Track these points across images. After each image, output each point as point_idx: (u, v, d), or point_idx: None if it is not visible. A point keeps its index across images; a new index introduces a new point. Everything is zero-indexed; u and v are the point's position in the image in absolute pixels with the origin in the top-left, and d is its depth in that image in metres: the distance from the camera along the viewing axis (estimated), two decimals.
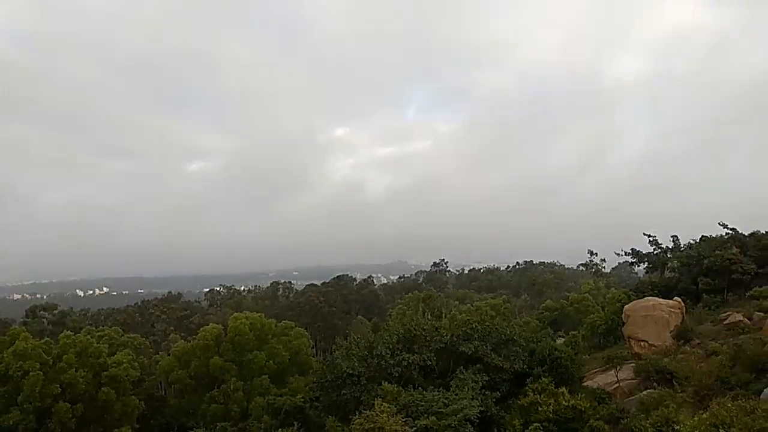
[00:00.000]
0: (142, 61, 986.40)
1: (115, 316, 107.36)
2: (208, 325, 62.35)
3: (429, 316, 36.99)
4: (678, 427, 19.10)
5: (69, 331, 52.30)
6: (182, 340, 66.96)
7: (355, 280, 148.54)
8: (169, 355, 61.41)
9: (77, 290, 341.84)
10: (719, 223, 53.72)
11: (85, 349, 46.18)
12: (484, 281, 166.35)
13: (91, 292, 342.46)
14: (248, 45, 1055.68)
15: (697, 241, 54.88)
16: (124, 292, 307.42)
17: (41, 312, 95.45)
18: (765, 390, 23.95)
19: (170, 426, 53.56)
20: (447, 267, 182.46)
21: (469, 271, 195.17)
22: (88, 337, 50.94)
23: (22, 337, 44.37)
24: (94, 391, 44.45)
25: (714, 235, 53.84)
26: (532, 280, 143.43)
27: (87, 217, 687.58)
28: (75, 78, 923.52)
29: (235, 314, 60.92)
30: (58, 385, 41.87)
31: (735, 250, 48.34)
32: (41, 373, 41.47)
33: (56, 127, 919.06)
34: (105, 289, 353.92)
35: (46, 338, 51.45)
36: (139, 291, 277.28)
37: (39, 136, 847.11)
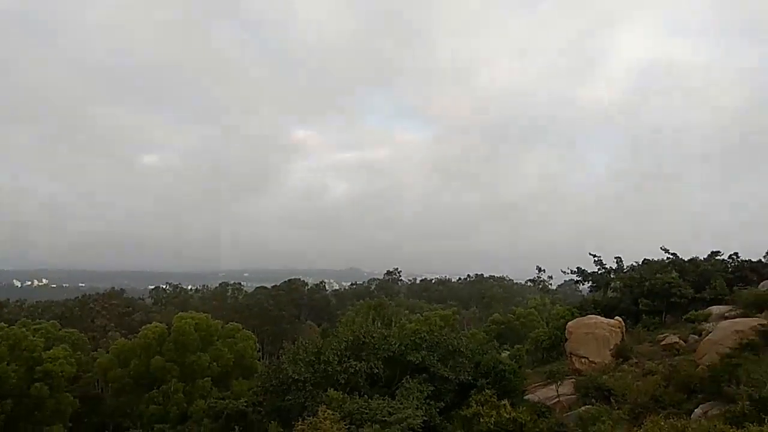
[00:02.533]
0: (97, 52, 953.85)
1: (54, 309, 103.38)
2: (151, 323, 60.69)
3: (379, 324, 37.01)
4: None
5: (3, 323, 50.01)
6: (123, 338, 64.92)
7: (306, 284, 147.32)
8: (108, 352, 59.39)
9: (14, 280, 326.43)
10: (661, 248, 55.82)
11: (19, 342, 44.30)
12: (435, 292, 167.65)
13: (28, 283, 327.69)
14: (212, 42, 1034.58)
15: (640, 263, 56.77)
16: (64, 285, 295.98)
17: None
18: (695, 410, 24.95)
19: (105, 425, 51.82)
20: (400, 276, 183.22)
21: (421, 281, 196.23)
22: (23, 329, 48.89)
23: None
24: (26, 387, 42.66)
25: (656, 259, 55.86)
26: (482, 293, 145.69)
27: (28, 205, 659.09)
28: (26, 66, 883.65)
29: (181, 314, 59.45)
30: None
31: (675, 274, 50.21)
32: None
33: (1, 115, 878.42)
34: (44, 281, 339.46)
35: None
36: (80, 285, 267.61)
37: None
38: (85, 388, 55.26)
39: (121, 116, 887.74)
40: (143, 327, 58.01)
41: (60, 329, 64.38)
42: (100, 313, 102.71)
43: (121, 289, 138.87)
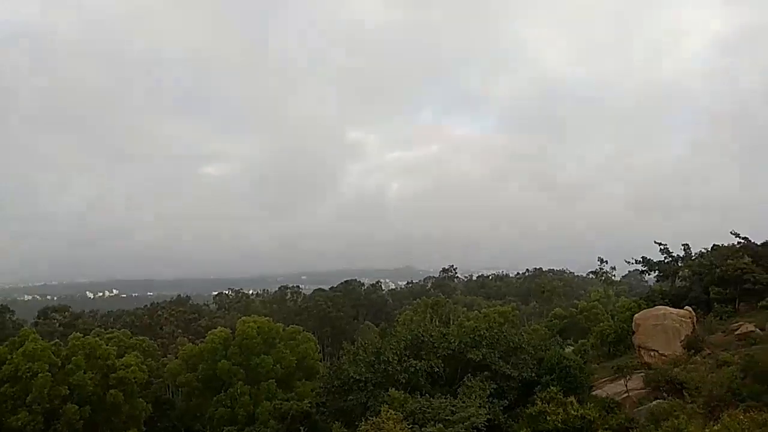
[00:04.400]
0: (153, 64, 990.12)
1: (124, 318, 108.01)
2: (216, 328, 62.49)
3: (437, 323, 36.92)
4: None
5: (78, 333, 52.62)
6: (190, 344, 67.14)
7: (363, 285, 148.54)
8: (177, 358, 61.62)
9: (87, 292, 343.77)
10: (731, 232, 53.18)
11: (94, 351, 46.41)
12: (492, 288, 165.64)
13: (100, 294, 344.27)
14: (261, 48, 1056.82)
15: (709, 250, 54.35)
16: (133, 295, 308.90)
17: (52, 314, 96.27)
18: None
19: (177, 429, 53.66)
20: (455, 273, 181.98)
21: (477, 277, 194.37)
22: (97, 339, 51.23)
23: (32, 339, 44.67)
24: (102, 394, 44.63)
25: (726, 245, 53.33)
26: (541, 287, 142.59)
27: (98, 220, 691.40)
28: (84, 80, 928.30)
29: (243, 318, 61.00)
30: (66, 387, 42.09)
31: (747, 259, 47.81)
32: (50, 374, 41.71)
33: (67, 131, 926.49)
34: (114, 291, 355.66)
35: (56, 340, 51.80)
36: (149, 294, 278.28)
37: (50, 140, 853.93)
38: (157, 393, 57.40)
39: (180, 129, 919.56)
40: (209, 332, 59.78)
41: (131, 337, 67.20)
42: (168, 320, 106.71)
43: (187, 296, 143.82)
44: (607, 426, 24.91)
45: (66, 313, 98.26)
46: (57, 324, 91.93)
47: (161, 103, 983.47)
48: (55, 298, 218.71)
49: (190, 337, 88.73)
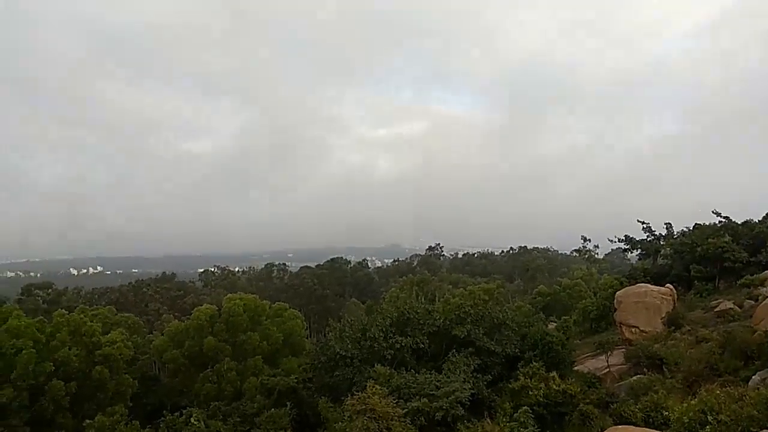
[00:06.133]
0: (138, 38, 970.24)
1: (109, 295, 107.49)
2: (202, 305, 62.43)
3: (422, 300, 37.11)
4: (667, 412, 19.29)
5: (63, 310, 52.28)
6: (176, 320, 67.09)
7: (349, 263, 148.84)
8: (162, 334, 61.50)
9: (70, 269, 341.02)
10: (713, 212, 53.96)
11: (79, 327, 46.12)
12: (478, 266, 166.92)
13: (84, 270, 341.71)
14: (240, 22, 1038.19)
15: (691, 229, 55.07)
16: (117, 272, 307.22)
17: (36, 291, 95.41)
18: (753, 377, 24.17)
19: (163, 405, 53.72)
20: (441, 251, 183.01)
21: (463, 255, 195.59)
22: (82, 315, 50.87)
23: (15, 315, 44.24)
24: (88, 370, 44.49)
25: (707, 224, 54.03)
26: (526, 265, 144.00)
27: (81, 196, 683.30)
28: (64, 53, 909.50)
29: (229, 295, 60.90)
30: (51, 363, 41.87)
31: (728, 238, 48.56)
32: (34, 351, 41.44)
33: (48, 105, 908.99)
34: (99, 268, 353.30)
35: (40, 317, 51.37)
36: (133, 271, 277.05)
37: (31, 114, 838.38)
38: (143, 370, 57.44)
39: (163, 106, 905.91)
40: (195, 309, 59.66)
41: (116, 314, 67.00)
42: (153, 297, 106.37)
43: (172, 273, 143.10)
44: (588, 400, 25.37)
45: (50, 290, 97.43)
46: (41, 301, 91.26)
47: (144, 77, 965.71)
48: (39, 275, 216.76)
49: (175, 314, 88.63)
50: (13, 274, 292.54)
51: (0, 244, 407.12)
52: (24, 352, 40.85)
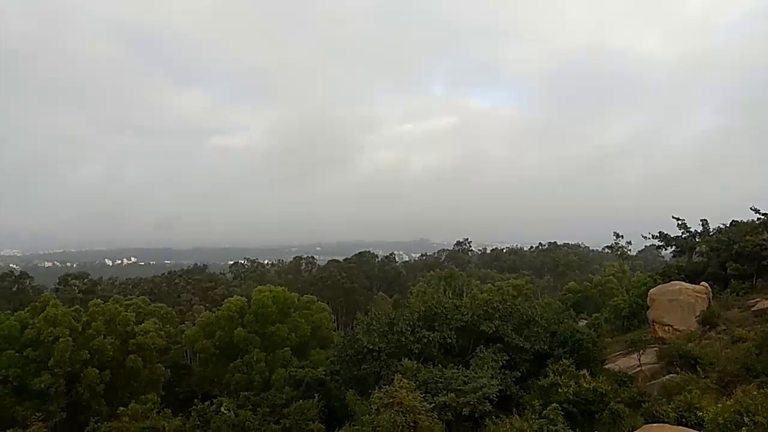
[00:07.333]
0: (162, 37, 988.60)
1: (143, 285, 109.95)
2: (232, 297, 63.45)
3: (450, 295, 36.95)
4: (701, 413, 18.87)
5: (98, 300, 53.66)
6: (207, 311, 68.27)
7: (377, 257, 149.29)
8: (194, 325, 62.72)
9: (105, 259, 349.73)
10: (751, 208, 52.30)
11: (114, 317, 47.34)
12: (506, 261, 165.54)
13: (119, 261, 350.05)
14: (274, 21, 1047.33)
15: (727, 225, 53.59)
16: (151, 263, 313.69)
17: (72, 281, 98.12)
18: None
19: (194, 394, 54.83)
20: (470, 246, 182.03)
21: (491, 250, 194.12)
22: (117, 305, 52.20)
23: (52, 304, 45.64)
24: (122, 358, 45.68)
25: (745, 220, 52.53)
26: (556, 261, 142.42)
27: (117, 190, 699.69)
28: (108, 56, 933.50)
29: (259, 287, 61.78)
30: (87, 352, 43.09)
31: (766, 235, 47.11)
32: (71, 339, 42.70)
33: (86, 105, 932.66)
34: (133, 259, 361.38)
35: (76, 306, 52.87)
36: (166, 262, 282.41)
37: (68, 114, 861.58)
38: (175, 359, 58.70)
39: (194, 101, 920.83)
40: (225, 300, 60.71)
41: (149, 304, 68.54)
42: (185, 288, 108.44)
43: (204, 265, 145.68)
44: (619, 399, 24.94)
45: (85, 280, 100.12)
46: (77, 290, 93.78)
47: (178, 75, 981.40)
48: (75, 266, 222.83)
49: (206, 305, 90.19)
50: (50, 265, 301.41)
51: (37, 235, 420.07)
52: (61, 340, 42.12)
